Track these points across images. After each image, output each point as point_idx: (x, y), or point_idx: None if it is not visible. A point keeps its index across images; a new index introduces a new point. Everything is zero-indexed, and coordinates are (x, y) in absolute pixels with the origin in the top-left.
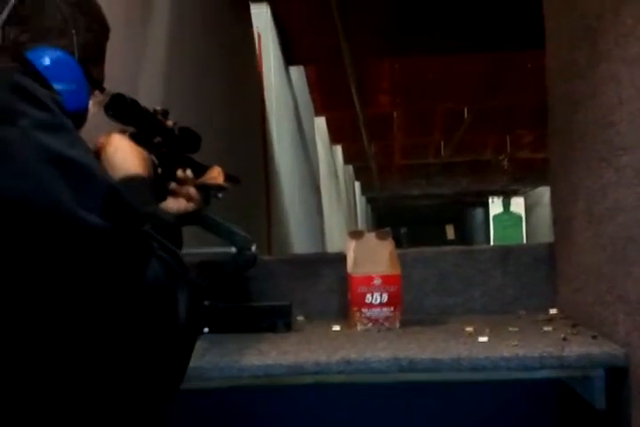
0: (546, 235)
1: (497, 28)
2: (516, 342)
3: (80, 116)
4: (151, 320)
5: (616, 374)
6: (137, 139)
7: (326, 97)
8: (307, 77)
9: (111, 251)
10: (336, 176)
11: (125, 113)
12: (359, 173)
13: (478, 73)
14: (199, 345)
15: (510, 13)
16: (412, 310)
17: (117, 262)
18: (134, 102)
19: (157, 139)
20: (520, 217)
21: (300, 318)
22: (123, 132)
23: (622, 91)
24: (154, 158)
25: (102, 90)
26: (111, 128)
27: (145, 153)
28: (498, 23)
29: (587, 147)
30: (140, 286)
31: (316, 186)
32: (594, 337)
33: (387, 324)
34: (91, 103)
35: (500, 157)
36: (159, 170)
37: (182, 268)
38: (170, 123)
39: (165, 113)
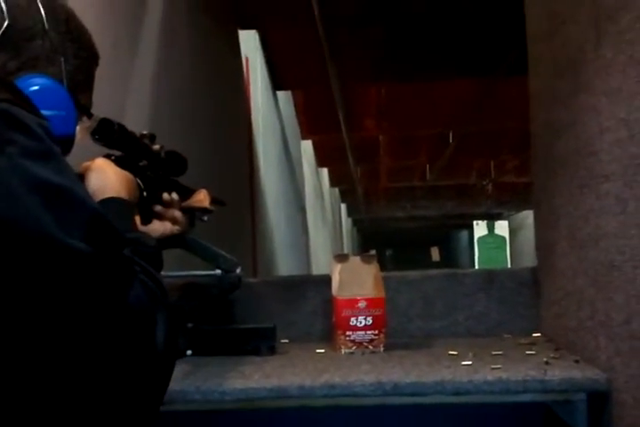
0: (529, 257)
1: (482, 54)
2: (499, 366)
3: (68, 142)
4: (130, 343)
5: (598, 398)
6: (123, 162)
7: (313, 121)
8: (294, 101)
9: (94, 275)
10: (322, 198)
11: (112, 137)
12: (345, 196)
13: (464, 98)
14: (182, 368)
15: (495, 40)
16: (397, 333)
17: (100, 286)
18: (121, 127)
19: (143, 162)
20: (504, 239)
21: (285, 340)
22: (107, 156)
23: (603, 121)
24: (139, 182)
25: (90, 116)
26: (97, 152)
27: (129, 176)
28: (483, 50)
29: (569, 174)
30: (121, 309)
31: (302, 208)
32: (576, 361)
33: (371, 347)
34: (78, 129)
35: (485, 181)
36: (144, 193)
37: (162, 292)
38: (156, 147)
39: (152, 137)
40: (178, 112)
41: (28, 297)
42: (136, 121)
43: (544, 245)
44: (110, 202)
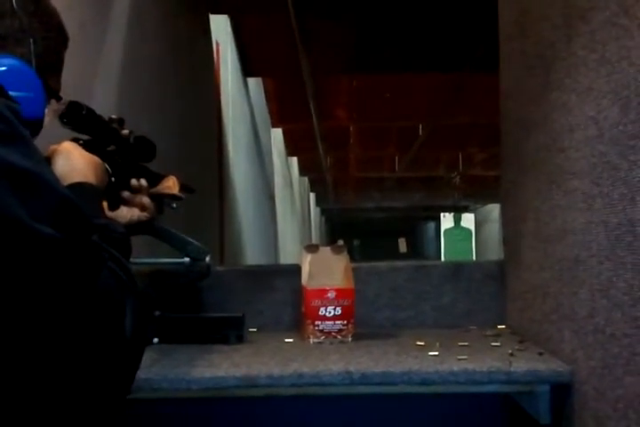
0: (494, 249)
1: (453, 49)
2: (465, 357)
3: (36, 125)
4: (99, 330)
5: (561, 390)
6: (91, 147)
7: (283, 109)
8: (264, 89)
9: (63, 261)
10: (291, 187)
11: (80, 121)
12: (314, 185)
13: (434, 91)
14: (149, 355)
15: (467, 36)
16: (365, 323)
17: (69, 272)
18: (89, 110)
19: (112, 147)
20: (470, 232)
21: (253, 329)
22: (75, 140)
23: (572, 119)
24: (107, 166)
25: (59, 99)
26: (65, 136)
27: (97, 161)
28: (454, 45)
29: (537, 170)
30: (90, 295)
31: (271, 196)
32: (540, 354)
33: (339, 337)
34: (46, 111)
35: (453, 174)
36: (113, 178)
37: (130, 279)
38: (125, 131)
39: (121, 121)
40: (146, 96)
41: None
42: (104, 105)
43: (511, 239)
44: (77, 187)
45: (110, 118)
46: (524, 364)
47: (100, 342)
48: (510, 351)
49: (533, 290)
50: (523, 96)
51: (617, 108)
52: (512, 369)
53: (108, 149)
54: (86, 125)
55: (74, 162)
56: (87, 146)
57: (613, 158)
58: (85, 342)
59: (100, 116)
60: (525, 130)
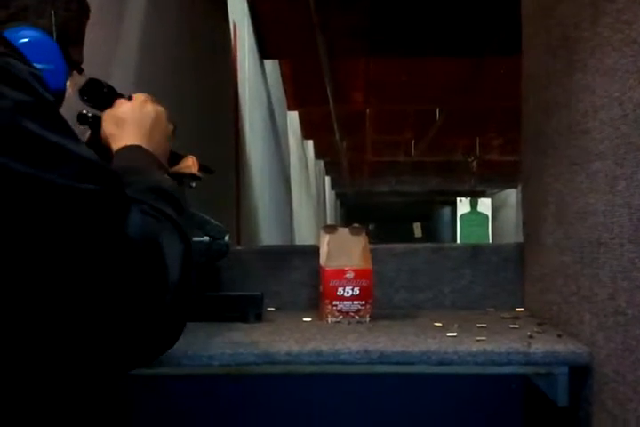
0: (511, 235)
1: (473, 32)
2: (483, 338)
3: (58, 97)
4: (139, 274)
5: (579, 372)
6: (99, 123)
7: (300, 92)
8: (281, 71)
9: (100, 211)
10: (307, 170)
11: (101, 98)
12: (330, 169)
13: (452, 75)
14: None
15: (486, 19)
16: (383, 304)
17: (95, 218)
18: (110, 88)
19: None
20: (487, 217)
21: (271, 309)
22: (95, 118)
23: (596, 100)
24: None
25: (80, 71)
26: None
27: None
28: (474, 28)
29: (559, 152)
30: (121, 239)
31: (287, 179)
32: (559, 336)
33: (357, 317)
34: (68, 84)
35: (470, 159)
36: None
37: (175, 225)
38: None
39: None
40: (164, 78)
41: (23, 237)
42: (122, 84)
43: (531, 221)
44: (129, 150)
45: (130, 97)
46: (543, 345)
47: (141, 287)
48: (529, 333)
49: (553, 273)
50: (545, 78)
51: None
52: (531, 350)
53: None
54: (107, 103)
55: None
56: (96, 121)
57: (637, 139)
58: (125, 285)
59: (121, 94)
60: (547, 112)
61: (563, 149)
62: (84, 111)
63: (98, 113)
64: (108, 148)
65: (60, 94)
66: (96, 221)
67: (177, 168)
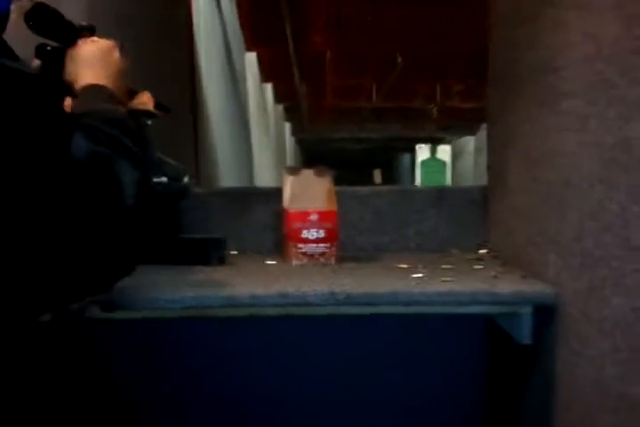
0: (469, 181)
1: None
2: (449, 279)
3: (1, 20)
4: (89, 196)
5: (544, 312)
6: (59, 54)
7: (258, 31)
8: (238, 9)
9: (25, 127)
10: (266, 114)
11: (47, 25)
12: (289, 114)
13: (415, 19)
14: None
15: None
16: (347, 247)
17: (36, 137)
18: (57, 14)
19: None
20: (446, 164)
21: (234, 252)
22: (42, 46)
23: (569, 36)
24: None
25: None
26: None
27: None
28: None
29: (528, 92)
30: (63, 161)
31: (246, 123)
32: (523, 276)
33: (322, 259)
34: (12, 8)
35: (430, 106)
36: None
37: (123, 147)
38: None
39: (92, 29)
40: (118, 8)
41: None
42: (73, 12)
43: (496, 164)
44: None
45: (81, 25)
46: (508, 285)
47: (95, 206)
48: (494, 274)
49: (517, 215)
50: (516, 14)
51: (619, 23)
52: (497, 290)
53: None
54: (54, 30)
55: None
56: (56, 53)
57: (611, 76)
58: (79, 208)
59: (69, 22)
60: (516, 50)
61: (531, 89)
62: (45, 44)
63: (57, 45)
64: (69, 85)
65: (2, 18)
66: (24, 138)
67: (131, 104)
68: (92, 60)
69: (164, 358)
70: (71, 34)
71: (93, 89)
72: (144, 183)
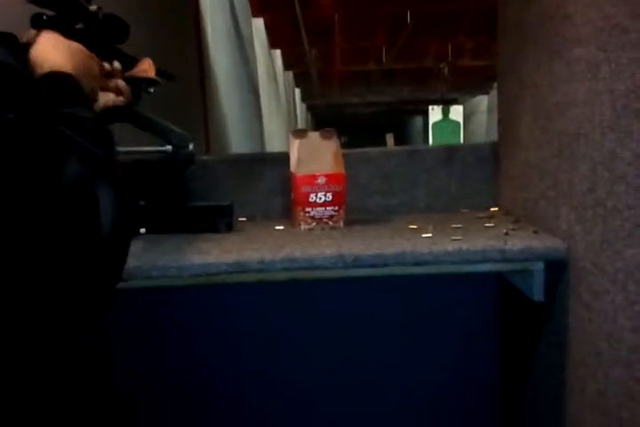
0: (483, 140)
1: None
2: (459, 237)
3: None
4: (72, 223)
5: (556, 267)
6: (56, 24)
7: None
8: None
9: (20, 144)
10: (275, 81)
11: None
12: (299, 80)
13: None
14: (137, 245)
15: None
16: (356, 209)
17: (28, 157)
18: None
19: (79, 25)
20: (458, 124)
21: (242, 219)
22: (38, 15)
23: None
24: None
25: None
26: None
27: (79, 48)
28: None
29: (538, 41)
30: (56, 188)
31: (255, 89)
32: (535, 232)
33: (331, 223)
34: None
35: (441, 65)
36: None
37: (105, 168)
38: (93, 7)
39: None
40: None
41: None
42: None
43: (506, 118)
44: (57, 76)
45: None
46: (519, 242)
47: (73, 238)
48: (505, 231)
49: (529, 169)
50: None
51: None
52: (507, 247)
53: (76, 27)
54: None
55: (50, 50)
56: (52, 22)
57: (623, 20)
58: (56, 239)
59: None
60: None
61: (542, 38)
62: (41, 13)
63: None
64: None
65: None
66: (26, 158)
67: (132, 72)
68: (58, 45)
69: (174, 325)
70: (66, 0)
71: (58, 76)
72: (119, 202)
